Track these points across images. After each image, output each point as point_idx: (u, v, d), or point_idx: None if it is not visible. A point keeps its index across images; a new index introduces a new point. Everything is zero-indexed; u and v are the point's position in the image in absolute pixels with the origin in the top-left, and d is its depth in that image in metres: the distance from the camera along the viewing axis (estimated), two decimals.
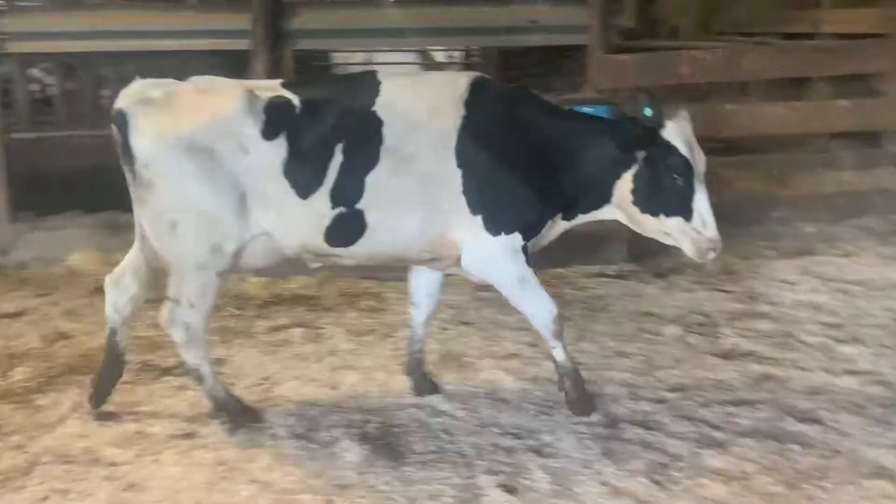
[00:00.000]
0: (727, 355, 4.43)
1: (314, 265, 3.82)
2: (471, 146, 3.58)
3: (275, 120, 3.52)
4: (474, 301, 5.28)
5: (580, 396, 3.80)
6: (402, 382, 4.09)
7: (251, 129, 3.49)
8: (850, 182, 6.93)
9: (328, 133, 3.54)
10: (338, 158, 3.52)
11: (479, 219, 3.60)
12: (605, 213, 3.80)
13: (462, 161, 3.57)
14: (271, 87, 3.66)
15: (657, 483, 3.23)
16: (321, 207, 3.53)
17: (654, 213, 3.65)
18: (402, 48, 9.61)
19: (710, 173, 6.84)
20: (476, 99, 3.64)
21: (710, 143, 7.67)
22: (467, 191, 3.58)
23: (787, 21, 8.72)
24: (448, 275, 4.02)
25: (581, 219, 3.85)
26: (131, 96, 3.55)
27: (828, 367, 4.24)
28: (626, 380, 4.15)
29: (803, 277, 5.62)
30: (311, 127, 3.54)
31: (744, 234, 6.67)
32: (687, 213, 3.60)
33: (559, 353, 3.77)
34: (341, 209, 3.54)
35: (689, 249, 3.65)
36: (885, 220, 6.82)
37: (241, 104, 3.50)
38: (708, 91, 9.48)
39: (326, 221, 3.55)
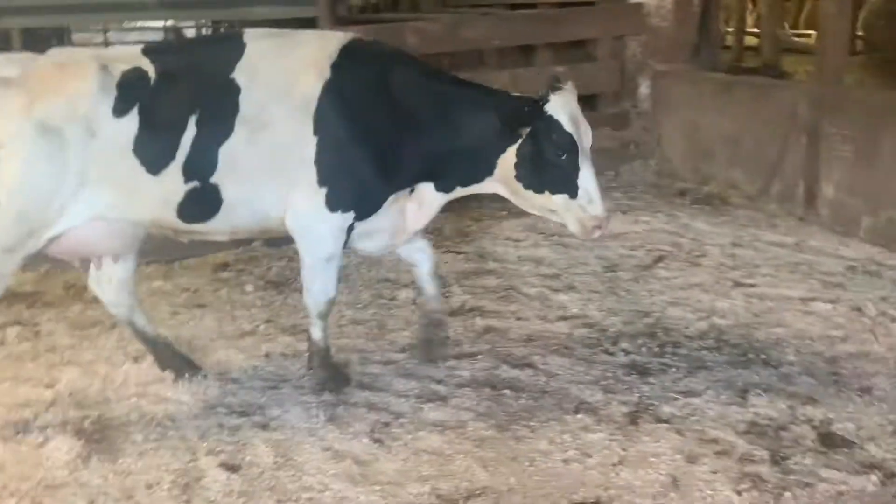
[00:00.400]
0: (455, 313, 4.62)
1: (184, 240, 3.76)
2: (330, 113, 3.42)
3: (127, 95, 3.34)
4: (211, 283, 5.16)
5: (329, 374, 3.80)
6: (126, 374, 3.93)
7: (103, 108, 3.32)
8: None
9: (182, 104, 3.37)
10: (191, 131, 3.35)
11: (322, 191, 3.46)
12: (487, 187, 3.70)
13: (318, 128, 3.42)
14: (130, 58, 3.46)
15: (378, 441, 3.34)
16: (172, 183, 3.36)
17: (539, 190, 3.54)
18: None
19: None
20: (345, 62, 3.48)
21: None
22: (318, 160, 3.44)
23: None
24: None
25: (460, 191, 3.75)
26: None
27: (543, 315, 4.55)
28: (358, 346, 4.23)
29: (529, 234, 5.97)
30: (164, 99, 3.36)
31: (478, 197, 7.00)
32: (572, 190, 3.49)
33: (316, 332, 3.75)
34: (194, 184, 3.37)
35: (574, 227, 3.55)
36: (604, 177, 7.38)
37: (93, 82, 3.32)
38: (450, 62, 9.81)
39: (178, 197, 3.39)
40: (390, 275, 5.28)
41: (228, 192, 3.44)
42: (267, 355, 4.16)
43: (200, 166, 3.39)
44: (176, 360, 3.91)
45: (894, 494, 2.96)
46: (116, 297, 3.77)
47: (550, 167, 3.49)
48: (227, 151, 3.40)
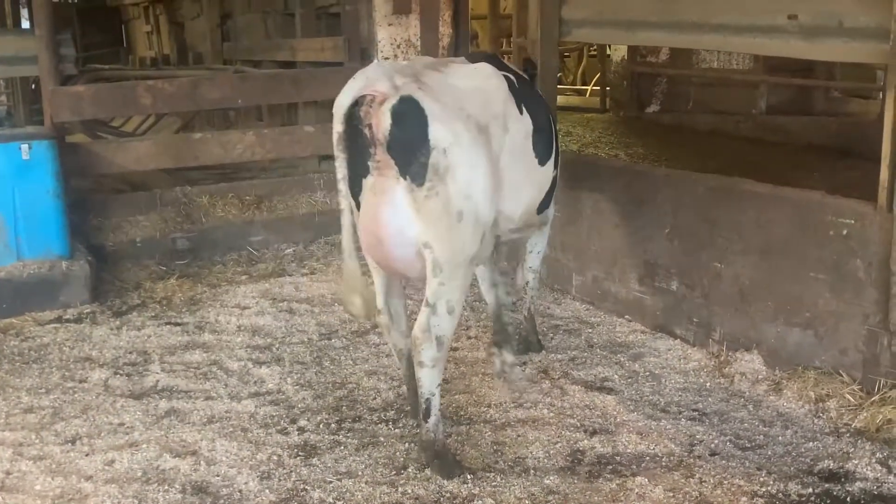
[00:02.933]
0: (141, 395, 4.39)
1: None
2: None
3: (518, 98, 4.00)
4: None
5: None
6: None
7: (510, 108, 3.92)
8: (324, 202, 7.38)
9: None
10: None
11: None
12: None
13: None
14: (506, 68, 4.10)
15: None
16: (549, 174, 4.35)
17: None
18: None
19: (188, 203, 6.92)
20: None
21: (185, 173, 7.89)
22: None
23: (274, 50, 9.10)
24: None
25: None
26: None
27: (236, 393, 4.39)
28: (18, 439, 3.92)
29: (259, 301, 5.81)
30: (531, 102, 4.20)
31: (221, 261, 6.82)
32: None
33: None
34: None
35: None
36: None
37: (503, 83, 3.94)
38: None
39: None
40: (93, 353, 4.99)
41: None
42: None
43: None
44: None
45: None
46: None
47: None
48: None
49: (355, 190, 3.48)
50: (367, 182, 3.41)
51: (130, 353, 4.99)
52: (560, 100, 12.61)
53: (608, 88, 10.34)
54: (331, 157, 7.36)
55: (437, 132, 3.36)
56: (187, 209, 6.96)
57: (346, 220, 3.60)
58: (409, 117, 3.32)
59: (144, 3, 16.02)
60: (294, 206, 7.30)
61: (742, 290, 4.44)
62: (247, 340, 5.13)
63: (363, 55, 7.50)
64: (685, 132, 8.61)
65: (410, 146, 3.34)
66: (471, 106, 3.56)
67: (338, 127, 3.40)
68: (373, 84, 3.37)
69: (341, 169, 3.43)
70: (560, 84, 14.20)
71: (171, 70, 11.71)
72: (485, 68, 3.87)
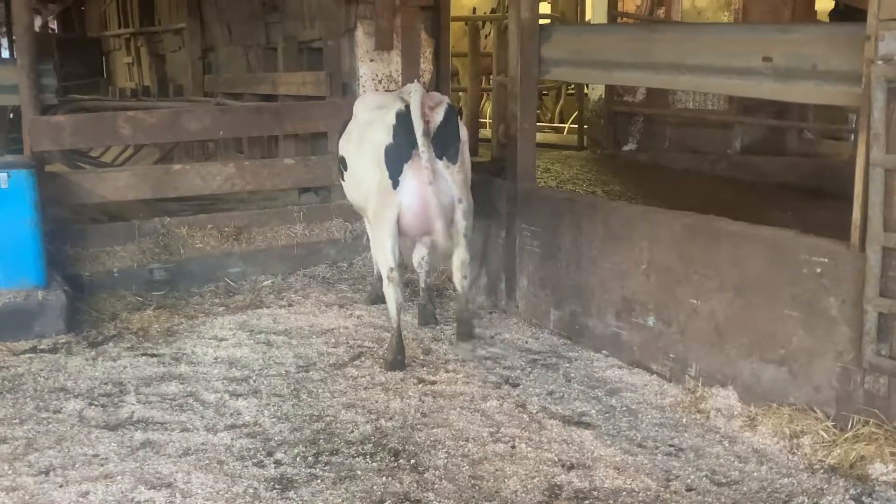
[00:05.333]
0: (117, 426, 4.35)
1: None
2: None
3: None
4: None
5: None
6: None
7: None
8: (303, 234, 7.39)
9: None
10: None
11: None
12: None
13: None
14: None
15: None
16: None
17: None
18: None
19: (166, 234, 6.88)
20: None
21: (164, 204, 7.88)
22: None
23: (255, 83, 9.15)
24: None
25: None
26: None
27: (212, 426, 4.36)
28: None
29: (236, 332, 5.79)
30: None
31: (199, 293, 6.79)
32: None
33: None
34: None
35: None
36: (335, 268, 7.38)
37: None
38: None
39: None
40: (68, 383, 4.94)
41: None
42: None
43: None
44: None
45: None
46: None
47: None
48: None
49: (395, 171, 4.86)
50: (410, 164, 4.84)
51: (106, 383, 4.95)
52: (538, 137, 12.82)
53: (585, 126, 10.48)
54: (309, 190, 7.43)
55: (462, 130, 5.11)
56: (165, 240, 6.94)
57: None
58: (451, 118, 4.90)
59: (126, 35, 16.07)
60: (273, 238, 7.31)
61: (718, 326, 4.49)
62: (224, 372, 5.11)
63: (345, 89, 7.57)
64: (661, 170, 8.74)
65: (451, 137, 4.91)
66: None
67: (419, 120, 4.73)
68: (424, 96, 4.85)
69: (424, 147, 4.75)
70: (538, 122, 14.43)
71: (151, 101, 11.72)
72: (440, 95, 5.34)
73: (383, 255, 5.05)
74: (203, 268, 6.93)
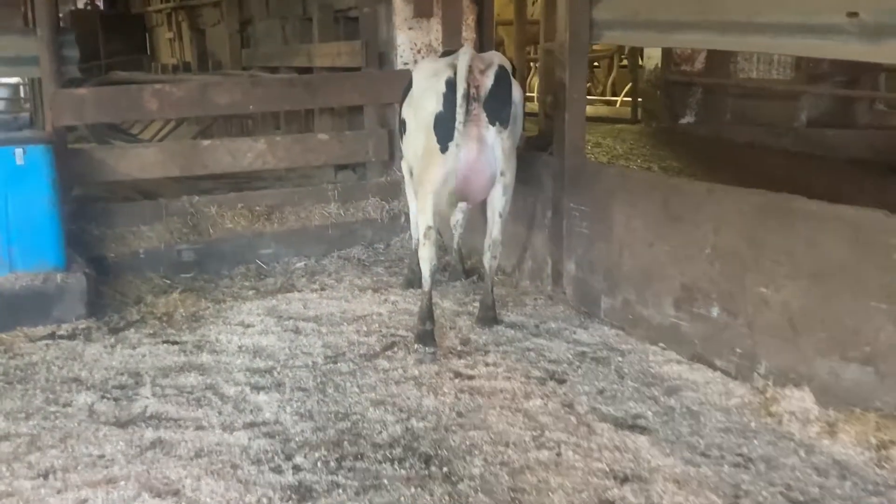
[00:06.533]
0: (127, 423, 4.01)
1: None
2: None
3: None
4: None
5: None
6: None
7: None
8: (337, 213, 7.00)
9: None
10: None
11: None
12: None
13: None
14: None
15: None
16: None
17: None
18: None
19: (195, 214, 6.55)
20: None
21: (197, 183, 7.56)
22: None
23: (291, 56, 8.76)
24: None
25: None
26: None
27: (229, 423, 3.99)
28: None
29: (264, 318, 5.44)
30: None
31: (229, 275, 6.46)
32: None
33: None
34: None
35: None
36: (371, 250, 6.99)
37: None
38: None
39: None
40: (83, 373, 4.63)
41: None
42: None
43: None
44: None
45: None
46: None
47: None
48: None
49: (445, 137, 4.63)
50: (461, 129, 4.56)
51: (122, 374, 4.63)
52: (588, 110, 12.20)
53: (640, 98, 9.87)
54: (347, 167, 7.06)
55: (515, 89, 4.90)
56: (194, 220, 6.61)
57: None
58: (502, 80, 4.73)
59: (167, 9, 15.82)
60: (307, 218, 6.95)
61: (791, 318, 3.98)
62: (247, 363, 4.75)
63: (382, 60, 7.14)
64: (722, 145, 8.12)
65: (502, 100, 4.74)
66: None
67: (463, 84, 4.53)
68: (474, 59, 4.67)
69: (461, 115, 4.53)
70: (589, 94, 13.79)
71: (188, 76, 11.42)
72: (499, 53, 5.30)
73: (423, 213, 4.92)
74: (233, 249, 6.60)
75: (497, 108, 4.71)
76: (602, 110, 11.46)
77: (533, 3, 11.55)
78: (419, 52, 7.07)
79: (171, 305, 5.77)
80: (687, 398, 4.17)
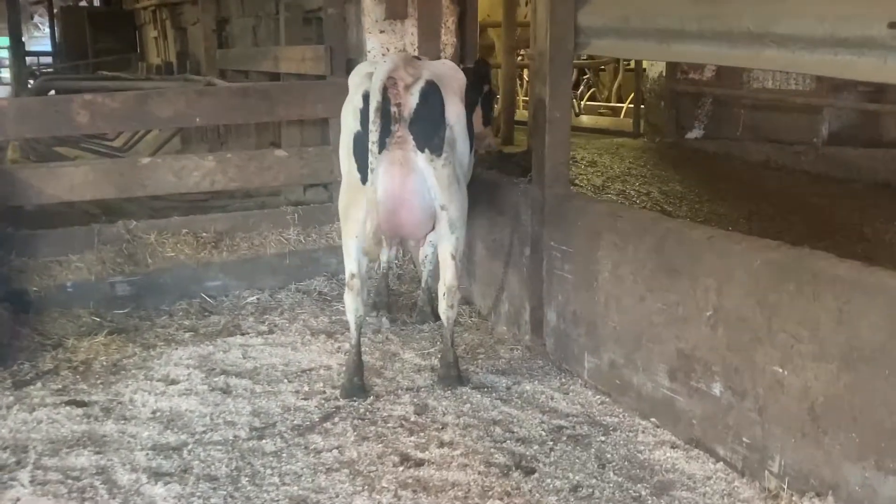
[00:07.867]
0: None
1: None
2: None
3: None
4: None
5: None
6: None
7: None
8: (297, 240, 6.23)
9: None
10: None
11: None
12: None
13: None
14: None
15: None
16: None
17: None
18: None
19: (131, 241, 5.78)
20: None
21: (149, 203, 6.79)
22: None
23: (259, 59, 7.98)
24: None
25: None
26: None
27: None
28: None
29: (192, 373, 4.65)
30: None
31: (169, 311, 5.70)
32: None
33: None
34: None
35: None
36: (335, 282, 6.19)
37: None
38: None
39: None
40: None
41: None
42: None
43: None
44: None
45: None
46: None
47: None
48: None
49: (364, 163, 3.92)
50: (376, 153, 3.83)
51: (5, 449, 3.85)
52: (589, 120, 11.38)
53: (643, 109, 9.03)
54: (314, 186, 6.28)
55: (451, 108, 4.11)
56: (130, 248, 5.84)
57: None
58: (431, 97, 3.97)
59: (152, 6, 15.10)
60: (261, 246, 6.18)
61: (814, 408, 3.16)
62: (154, 436, 3.96)
63: (349, 67, 6.33)
64: (733, 164, 7.29)
65: (433, 122, 4.00)
66: (455, 91, 4.27)
67: (376, 96, 3.76)
68: (398, 70, 3.89)
69: (375, 135, 3.79)
70: (594, 101, 12.94)
71: (157, 80, 10.67)
72: (449, 62, 4.83)
73: (347, 257, 4.29)
74: (175, 281, 5.82)
75: (425, 131, 3.99)
76: (603, 121, 10.64)
77: (526, 4, 10.71)
78: None
79: (92, 351, 5.03)
80: (682, 499, 3.35)
